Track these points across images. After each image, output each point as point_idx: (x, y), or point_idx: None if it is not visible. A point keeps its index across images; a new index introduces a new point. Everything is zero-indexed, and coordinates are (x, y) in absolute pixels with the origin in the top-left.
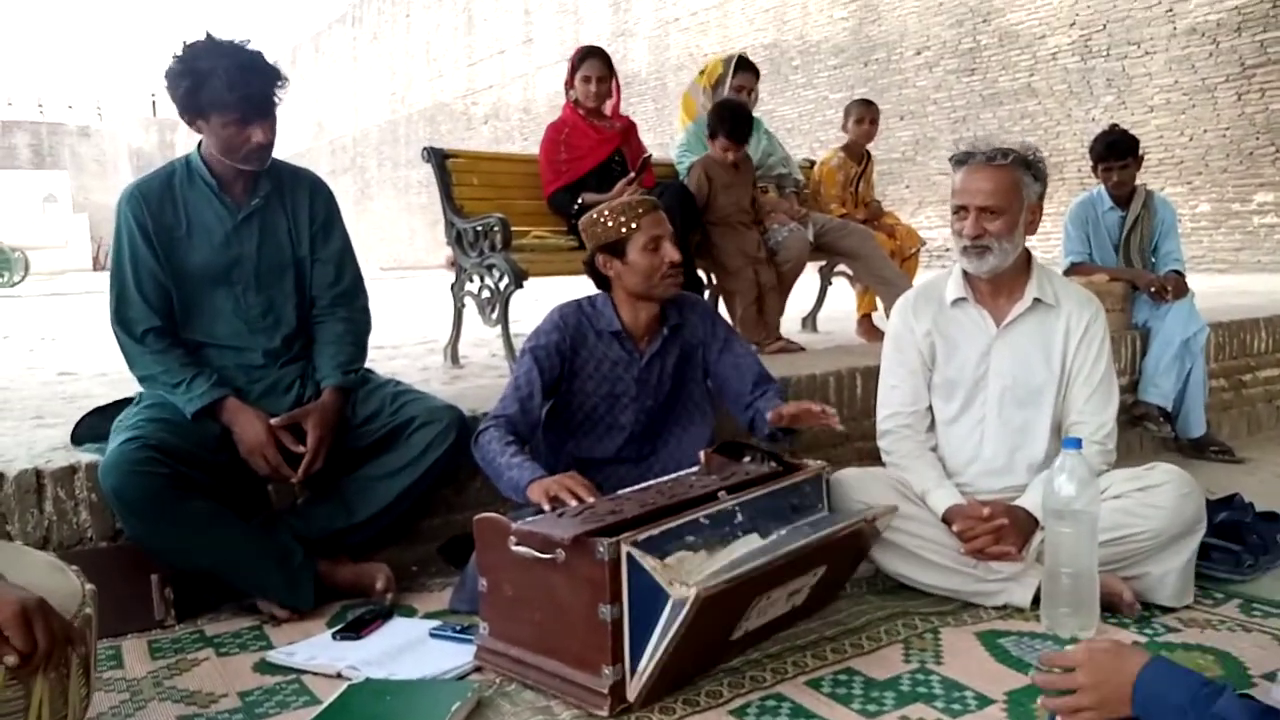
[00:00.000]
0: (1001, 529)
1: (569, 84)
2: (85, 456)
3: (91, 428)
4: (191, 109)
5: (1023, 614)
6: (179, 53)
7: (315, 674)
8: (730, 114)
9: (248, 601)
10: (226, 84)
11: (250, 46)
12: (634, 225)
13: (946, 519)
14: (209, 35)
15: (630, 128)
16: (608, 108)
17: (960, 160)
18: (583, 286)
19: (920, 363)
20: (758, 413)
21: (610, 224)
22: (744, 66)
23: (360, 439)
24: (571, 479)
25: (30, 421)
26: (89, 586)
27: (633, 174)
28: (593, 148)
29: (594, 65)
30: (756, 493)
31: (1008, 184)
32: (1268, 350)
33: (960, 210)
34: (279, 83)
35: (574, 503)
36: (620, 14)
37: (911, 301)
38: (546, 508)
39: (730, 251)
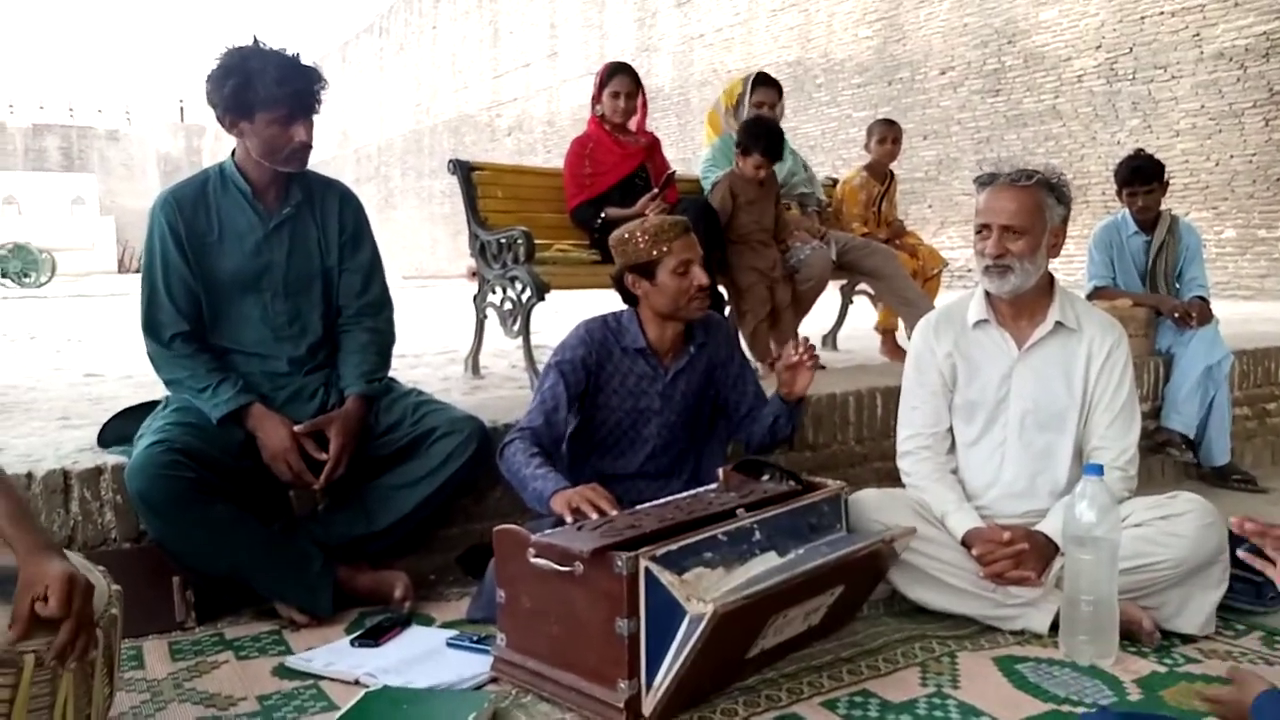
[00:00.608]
0: (1021, 554)
1: (596, 99)
2: (111, 458)
3: (118, 430)
4: (236, 109)
5: (1041, 640)
6: (224, 54)
7: (333, 680)
8: (765, 131)
9: (267, 606)
10: (276, 80)
11: (290, 52)
12: (665, 249)
13: (966, 542)
14: (255, 39)
15: (655, 144)
16: (633, 123)
17: (984, 181)
18: (603, 300)
19: (941, 384)
20: (757, 418)
21: (642, 245)
22: (762, 82)
23: (382, 448)
24: (593, 491)
25: (57, 422)
26: (115, 587)
27: (656, 190)
28: (617, 163)
29: (622, 81)
30: (775, 511)
31: (1031, 205)
32: None
33: (983, 229)
34: (322, 83)
35: (595, 515)
36: (645, 29)
37: (934, 323)
38: (568, 519)
39: (743, 269)
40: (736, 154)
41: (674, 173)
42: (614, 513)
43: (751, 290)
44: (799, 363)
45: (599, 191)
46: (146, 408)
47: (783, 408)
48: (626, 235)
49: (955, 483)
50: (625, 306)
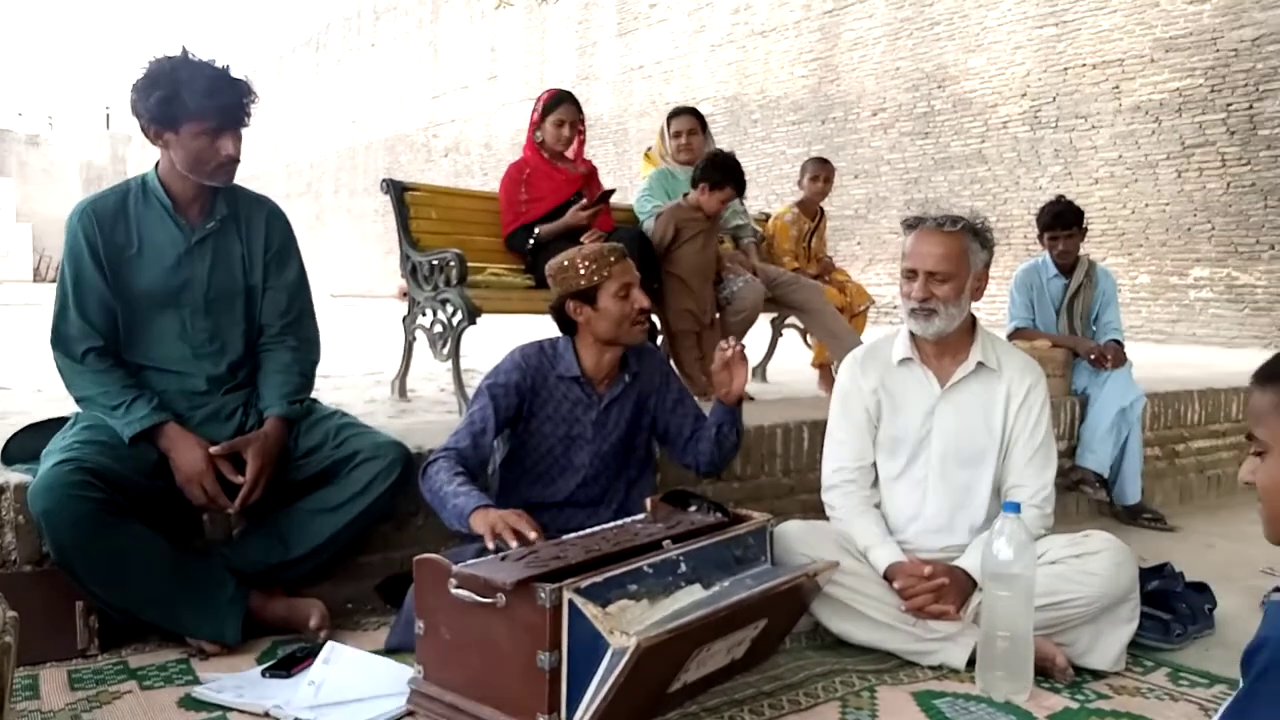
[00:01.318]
0: (941, 588)
1: (536, 124)
2: (15, 476)
3: (23, 446)
4: (161, 120)
5: (958, 675)
6: (151, 63)
7: (242, 712)
8: (734, 166)
9: (174, 632)
10: (204, 91)
11: (219, 63)
12: (606, 274)
13: (888, 576)
14: (184, 49)
15: (592, 172)
16: (570, 151)
17: (911, 224)
18: (535, 325)
19: (866, 419)
20: (701, 439)
21: (583, 271)
22: (677, 113)
23: (301, 471)
24: (517, 516)
25: None
26: (11, 613)
27: (587, 201)
28: (554, 189)
29: (568, 110)
30: (701, 543)
31: (956, 250)
32: (1200, 422)
33: (910, 273)
34: (251, 97)
35: (514, 542)
36: (586, 58)
37: (860, 359)
38: (489, 543)
39: (677, 311)
40: (701, 189)
41: (613, 190)
42: (533, 536)
43: (682, 336)
44: (731, 358)
45: (535, 218)
46: (54, 424)
47: (725, 413)
48: (566, 263)
49: (879, 517)
50: (560, 334)
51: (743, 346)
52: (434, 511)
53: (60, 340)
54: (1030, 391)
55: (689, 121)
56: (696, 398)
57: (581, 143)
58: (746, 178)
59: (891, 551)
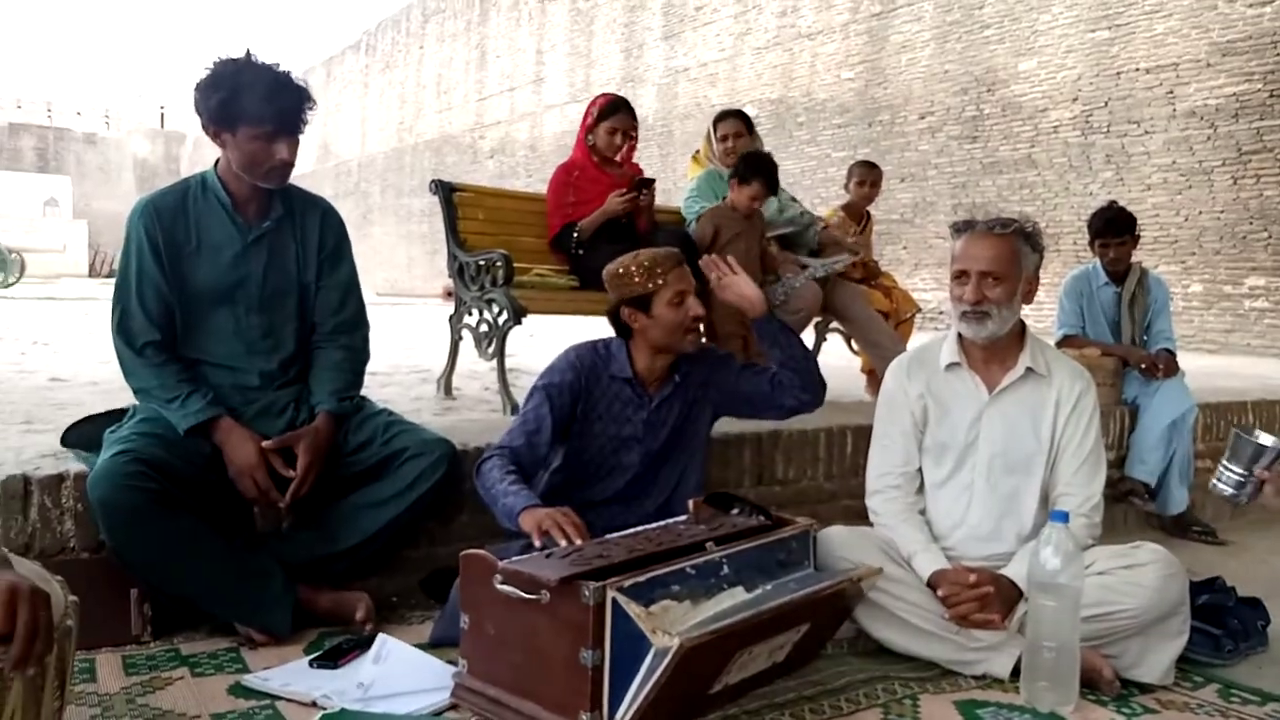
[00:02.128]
0: (986, 597)
1: (588, 128)
2: (74, 466)
3: (82, 435)
4: (221, 120)
5: (1002, 685)
6: (215, 64)
7: (290, 700)
8: (765, 162)
9: (225, 622)
10: (264, 96)
11: (281, 68)
12: (661, 281)
13: (932, 583)
14: (248, 51)
15: (638, 175)
16: (620, 156)
17: (961, 228)
18: (581, 326)
19: (912, 424)
20: (778, 376)
21: (637, 278)
22: (725, 116)
23: (350, 467)
24: (564, 515)
25: (19, 426)
26: (72, 598)
27: (628, 188)
28: (602, 193)
29: (622, 119)
30: (744, 546)
31: (1008, 252)
32: None
33: (961, 275)
34: (309, 104)
35: (563, 541)
36: (632, 60)
37: (906, 364)
38: (536, 541)
39: (723, 316)
40: (732, 184)
41: (651, 180)
42: (580, 542)
43: (727, 339)
44: (718, 280)
45: (579, 219)
46: (112, 415)
47: (763, 329)
48: (621, 270)
49: (923, 523)
50: (613, 336)
51: (722, 259)
52: (482, 507)
53: (122, 332)
54: (1080, 398)
55: (735, 124)
56: None
57: (632, 149)
58: (792, 181)
59: (935, 558)
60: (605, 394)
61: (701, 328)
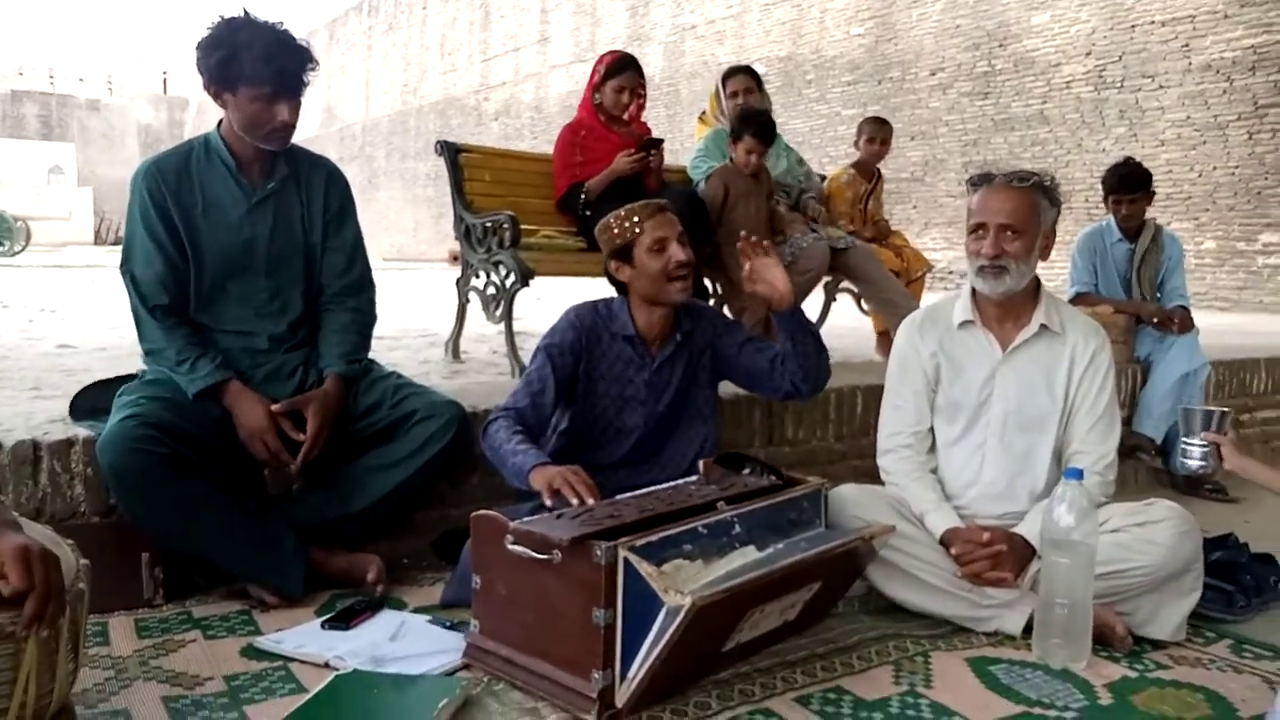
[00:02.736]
0: (999, 554)
1: (595, 86)
2: (83, 430)
3: (90, 401)
4: (221, 80)
5: (1014, 642)
6: (216, 23)
7: (303, 662)
8: (754, 115)
9: (237, 585)
10: (263, 57)
11: (283, 27)
12: (638, 230)
13: (944, 541)
14: (246, 11)
15: (646, 134)
16: (628, 115)
17: (978, 181)
18: (588, 287)
19: (924, 383)
20: (782, 358)
21: (616, 229)
22: (732, 73)
23: (360, 429)
24: (575, 474)
25: (28, 392)
26: (83, 562)
27: (635, 149)
28: (609, 152)
29: (629, 77)
30: (755, 505)
31: (1027, 205)
32: (1266, 391)
33: (979, 229)
34: (311, 64)
35: (575, 500)
36: (637, 18)
37: (918, 322)
38: (546, 499)
39: (739, 268)
40: (729, 145)
41: (660, 140)
42: (592, 501)
43: (753, 311)
44: (755, 265)
45: (586, 179)
46: (121, 380)
47: (786, 320)
48: (605, 223)
49: (935, 482)
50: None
51: (762, 243)
52: (492, 469)
53: (138, 294)
54: (1095, 355)
55: (745, 80)
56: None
57: (640, 107)
58: (800, 140)
59: (948, 516)
60: (607, 353)
61: (688, 276)
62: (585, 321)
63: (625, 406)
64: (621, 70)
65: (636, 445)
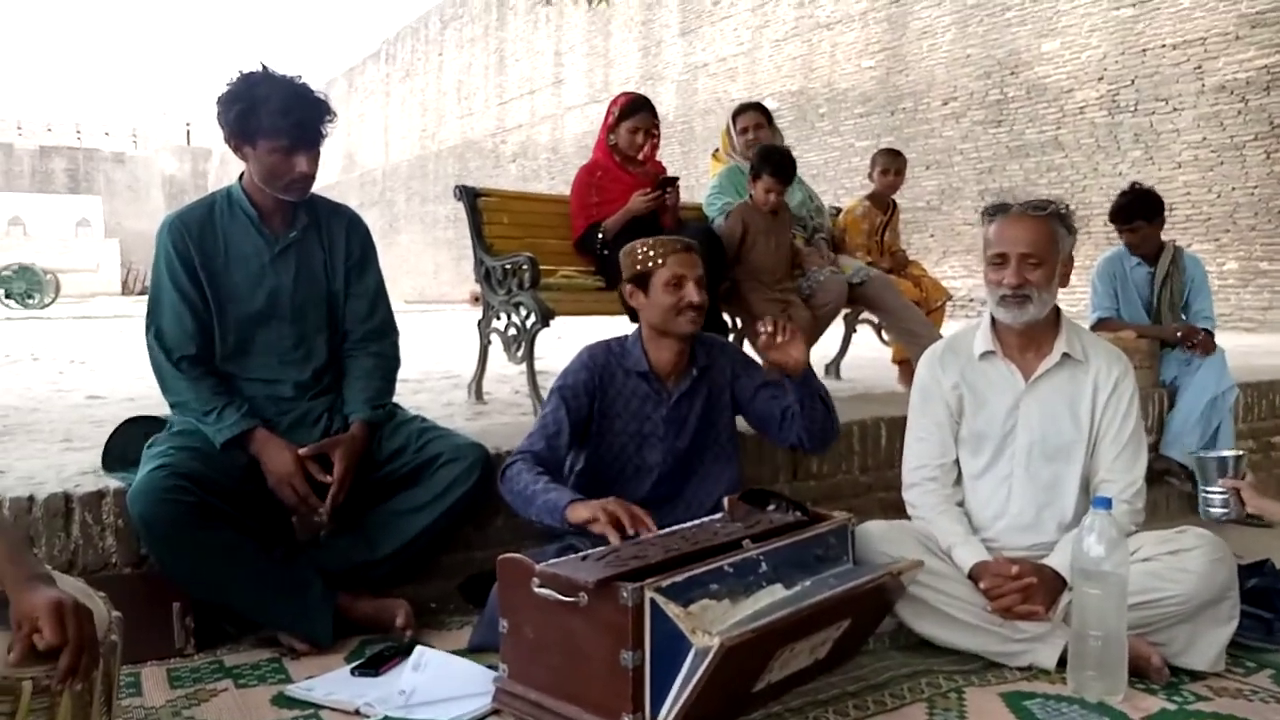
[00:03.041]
0: (1029, 587)
1: (610, 127)
2: (114, 482)
3: (122, 445)
4: (240, 133)
5: (1048, 676)
6: (235, 78)
7: (333, 709)
8: (774, 154)
9: (267, 633)
10: (280, 110)
11: (301, 80)
12: (660, 261)
13: (973, 575)
14: (264, 66)
15: (662, 173)
16: (642, 155)
17: (995, 211)
18: (608, 326)
19: (948, 415)
20: (790, 417)
21: (640, 255)
22: (744, 109)
23: (385, 474)
24: (617, 502)
25: (59, 444)
26: (115, 614)
27: (651, 188)
28: (625, 192)
29: (644, 118)
30: (781, 542)
31: (1046, 234)
32: None
33: (999, 259)
34: (328, 116)
35: (626, 519)
36: (650, 58)
37: (939, 354)
38: (601, 526)
39: (759, 301)
40: (749, 183)
41: (675, 178)
42: (647, 527)
43: (768, 314)
44: (777, 340)
45: (603, 219)
46: (149, 421)
47: (795, 387)
48: (629, 246)
49: (961, 515)
50: (631, 330)
51: (784, 323)
52: (514, 512)
53: (160, 348)
54: (1119, 383)
55: (755, 116)
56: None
57: (654, 147)
58: (815, 173)
59: (976, 550)
60: (622, 391)
61: (701, 316)
62: (599, 360)
63: (644, 443)
64: (635, 111)
65: (657, 484)
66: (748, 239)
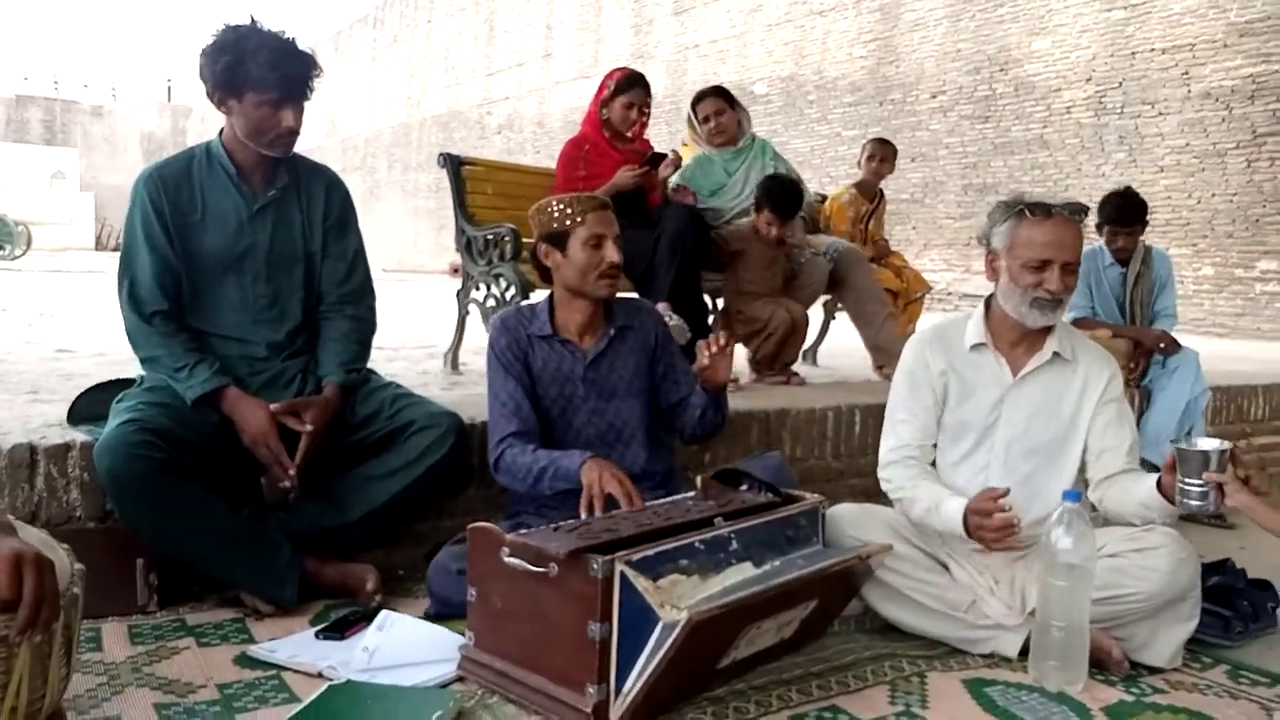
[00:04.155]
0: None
1: (603, 102)
2: (80, 436)
3: (89, 407)
4: (227, 86)
5: (1010, 664)
6: (221, 29)
7: (296, 671)
8: (777, 186)
9: (231, 593)
10: (269, 62)
11: (288, 35)
12: (579, 219)
13: (968, 513)
14: (253, 18)
15: (649, 150)
16: (632, 132)
17: (1031, 211)
18: None
19: (933, 400)
20: (686, 407)
21: (556, 214)
22: (702, 97)
23: (358, 439)
24: (617, 478)
25: (26, 396)
26: (78, 566)
27: (638, 165)
28: (612, 168)
29: (638, 94)
30: (752, 521)
31: (1081, 239)
32: (1264, 418)
33: (1041, 264)
34: (315, 71)
35: (625, 503)
36: (641, 36)
37: (929, 339)
38: (585, 499)
39: (759, 308)
40: (753, 211)
41: (662, 155)
42: (634, 505)
43: (773, 315)
44: (716, 354)
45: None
46: (119, 384)
47: (710, 399)
48: (542, 204)
49: (940, 482)
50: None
51: (729, 342)
52: (489, 481)
53: (131, 301)
54: (1110, 384)
55: (715, 103)
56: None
57: (644, 125)
58: (801, 160)
59: (961, 501)
60: (538, 354)
61: (617, 277)
62: (510, 325)
63: (568, 406)
64: (631, 87)
65: (588, 447)
66: (742, 257)
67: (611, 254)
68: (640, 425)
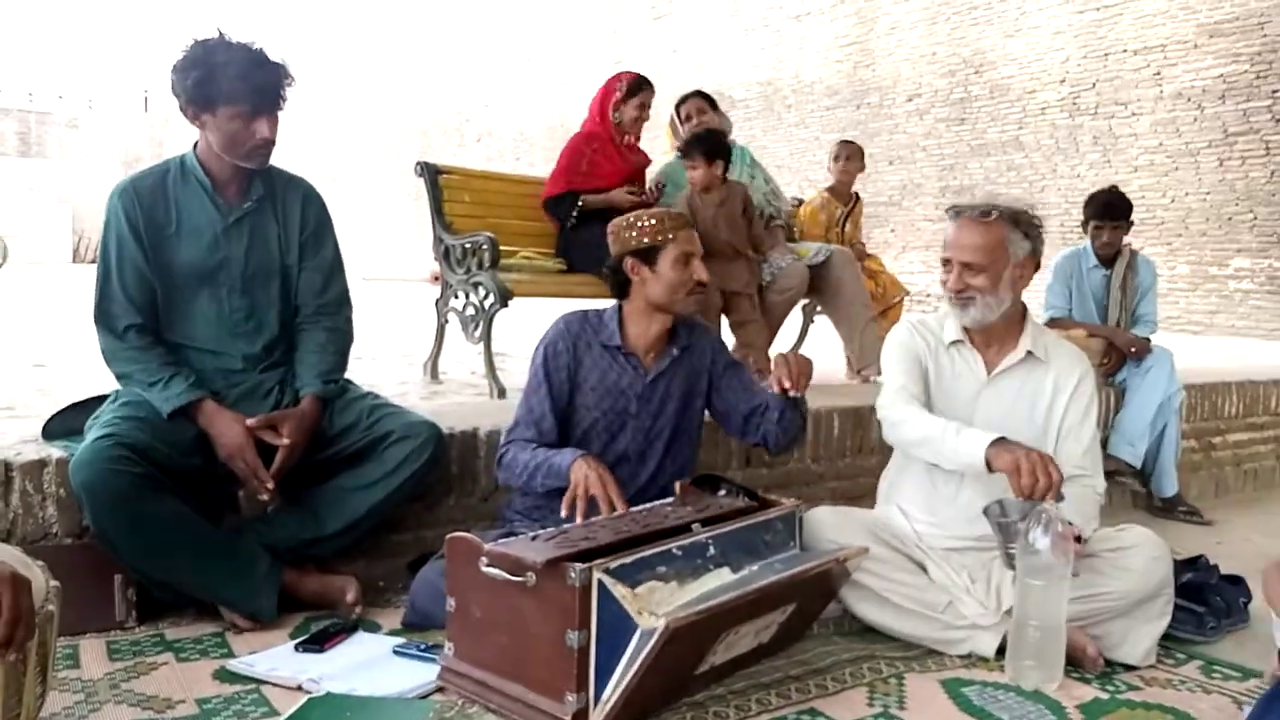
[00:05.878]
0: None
1: (614, 104)
2: (56, 451)
3: (64, 420)
4: (199, 101)
5: (987, 664)
6: (190, 45)
7: (275, 685)
8: (701, 136)
9: (210, 605)
10: (240, 74)
11: (258, 46)
12: (671, 236)
13: (988, 457)
14: (221, 32)
15: (647, 163)
16: (629, 139)
17: (951, 214)
18: (567, 308)
19: (921, 373)
20: (765, 419)
21: (646, 230)
22: (686, 99)
23: (336, 451)
24: (605, 481)
25: (1, 411)
26: (54, 583)
27: (635, 178)
28: (614, 171)
29: (648, 96)
30: (730, 527)
31: (993, 241)
32: (1238, 414)
33: (946, 262)
34: (288, 80)
35: (604, 506)
36: (619, 41)
37: (915, 326)
38: (581, 487)
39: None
40: (686, 169)
41: (663, 188)
42: (619, 508)
43: (708, 311)
44: (794, 366)
45: (585, 191)
46: (95, 402)
47: (786, 402)
48: (631, 219)
49: None
50: (608, 306)
51: (799, 367)
52: (469, 490)
53: (103, 316)
54: (1080, 383)
55: (698, 103)
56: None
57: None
58: (780, 164)
59: (981, 433)
60: (597, 364)
61: (703, 294)
62: (574, 329)
63: (616, 421)
64: (642, 88)
65: (621, 462)
66: (698, 224)
67: (700, 272)
68: (671, 448)
